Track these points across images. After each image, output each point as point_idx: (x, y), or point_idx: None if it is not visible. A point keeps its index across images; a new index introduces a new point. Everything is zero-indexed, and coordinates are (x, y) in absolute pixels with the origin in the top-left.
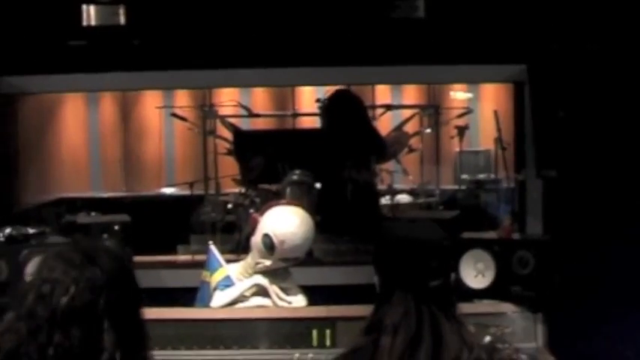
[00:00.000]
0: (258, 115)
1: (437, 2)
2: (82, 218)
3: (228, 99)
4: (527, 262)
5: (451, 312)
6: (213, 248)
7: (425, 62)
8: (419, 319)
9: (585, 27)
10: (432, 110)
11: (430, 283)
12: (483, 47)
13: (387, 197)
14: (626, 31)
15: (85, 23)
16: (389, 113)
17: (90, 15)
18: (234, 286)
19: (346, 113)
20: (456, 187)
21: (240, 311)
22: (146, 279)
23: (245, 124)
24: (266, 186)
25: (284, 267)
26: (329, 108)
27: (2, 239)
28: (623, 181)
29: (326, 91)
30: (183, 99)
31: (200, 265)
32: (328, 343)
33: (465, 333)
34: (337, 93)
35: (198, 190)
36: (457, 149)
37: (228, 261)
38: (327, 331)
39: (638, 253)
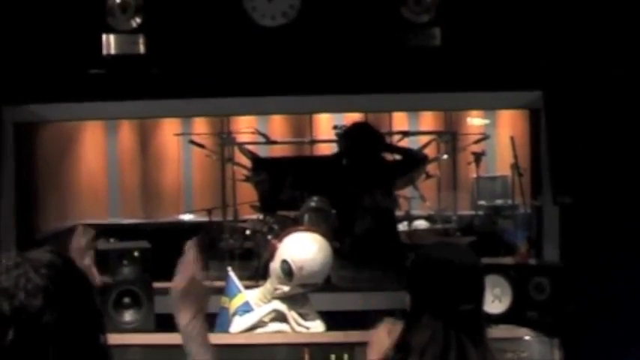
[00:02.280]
0: (275, 142)
1: (453, 30)
2: (101, 245)
3: (246, 126)
4: (543, 288)
5: (479, 338)
6: (232, 274)
7: (441, 89)
8: (445, 344)
9: (600, 54)
10: (449, 136)
11: (461, 307)
12: (499, 74)
13: (405, 223)
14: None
15: (104, 52)
16: (406, 140)
17: (110, 44)
18: (253, 311)
19: (364, 142)
20: (473, 212)
21: (259, 337)
22: (165, 305)
23: (263, 151)
24: (284, 213)
25: (302, 293)
26: (346, 138)
27: None
28: (638, 206)
29: (344, 117)
30: (201, 126)
31: (219, 291)
32: None
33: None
34: (354, 126)
35: (217, 217)
36: (474, 175)
37: (247, 287)
38: (345, 356)
39: None
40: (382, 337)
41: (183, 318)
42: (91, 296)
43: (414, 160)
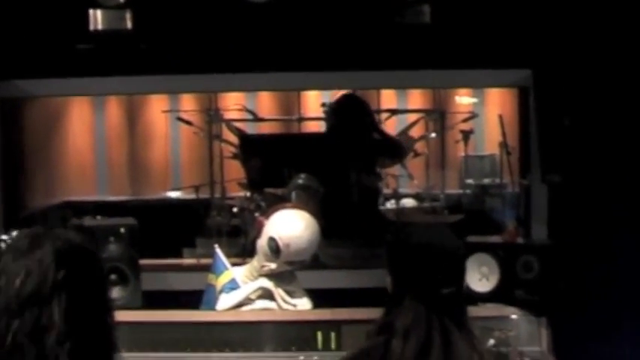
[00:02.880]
0: (263, 120)
1: (443, 8)
2: (89, 221)
3: (233, 103)
4: (531, 267)
5: (462, 320)
6: (218, 251)
7: (430, 67)
8: (429, 326)
9: (590, 32)
10: (437, 115)
11: (442, 291)
12: (488, 52)
13: (392, 201)
14: (632, 36)
15: (92, 28)
16: (394, 118)
17: (97, 19)
18: (240, 289)
19: (352, 117)
20: (461, 191)
21: (245, 314)
22: (152, 282)
23: (251, 129)
24: (272, 190)
25: (289, 270)
26: (335, 111)
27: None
28: (627, 185)
29: (332, 95)
30: (189, 103)
31: (206, 269)
32: (333, 345)
33: (475, 341)
34: (344, 97)
35: (204, 194)
36: (462, 154)
37: (234, 264)
38: (332, 334)
39: None
40: None
41: None
42: (103, 277)
43: (395, 152)
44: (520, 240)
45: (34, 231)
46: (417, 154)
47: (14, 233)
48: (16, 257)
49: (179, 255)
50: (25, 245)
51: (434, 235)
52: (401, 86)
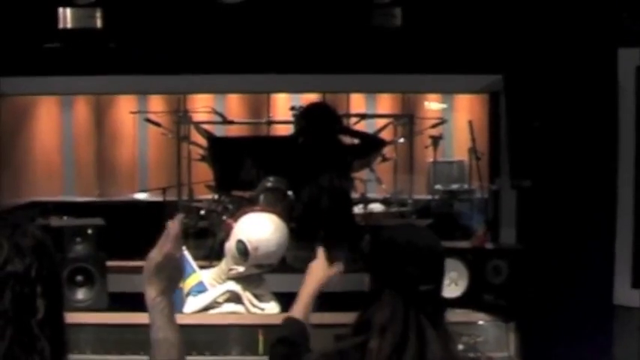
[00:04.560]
0: (232, 122)
1: (414, 11)
2: (55, 222)
3: (202, 105)
4: (500, 271)
5: (438, 319)
6: (186, 253)
7: (400, 71)
8: (405, 323)
9: (561, 37)
10: (406, 120)
11: (421, 287)
12: (459, 57)
13: (360, 206)
14: (602, 42)
15: (61, 26)
16: (363, 122)
17: (66, 18)
18: (207, 292)
19: (321, 123)
20: (430, 196)
21: (212, 317)
22: (119, 284)
23: (219, 131)
24: (240, 192)
25: (257, 273)
26: (303, 118)
27: None
28: (595, 190)
29: (302, 99)
30: (157, 104)
31: None
32: None
33: (450, 343)
34: (312, 105)
35: (172, 196)
36: (431, 159)
37: (202, 267)
38: None
39: (610, 263)
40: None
41: (154, 290)
42: (58, 274)
43: (372, 144)
44: (489, 245)
45: (14, 219)
46: (385, 159)
47: None
48: None
49: (146, 257)
50: (6, 232)
51: (415, 234)
52: (371, 90)
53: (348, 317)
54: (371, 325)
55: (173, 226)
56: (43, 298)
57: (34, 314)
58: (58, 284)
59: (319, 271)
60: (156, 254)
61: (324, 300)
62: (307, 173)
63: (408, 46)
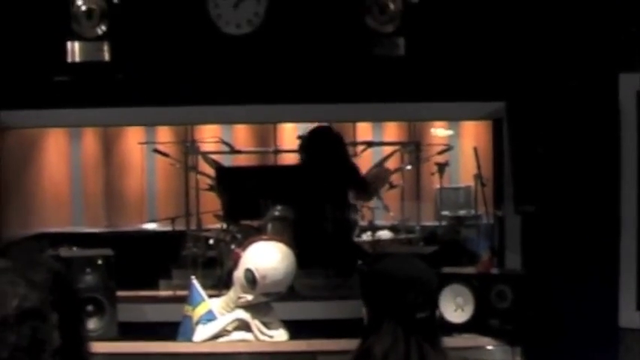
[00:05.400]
0: (239, 152)
1: (417, 40)
2: (65, 252)
3: (210, 135)
4: (505, 296)
5: (437, 342)
6: (195, 283)
7: (405, 100)
8: (407, 349)
9: (563, 64)
10: (413, 147)
11: (417, 315)
12: (462, 85)
13: (368, 233)
14: (602, 67)
15: (69, 59)
16: (370, 150)
17: (74, 51)
18: (217, 320)
19: (325, 149)
20: (437, 223)
21: (222, 345)
22: (129, 313)
23: (227, 161)
24: (248, 222)
25: (266, 301)
26: (308, 144)
27: None
28: (599, 215)
29: (307, 127)
30: (165, 135)
31: (182, 300)
32: None
33: None
34: (317, 129)
35: (180, 226)
36: (437, 186)
37: (210, 296)
38: None
39: (614, 286)
40: None
41: None
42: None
43: (361, 190)
44: (494, 270)
45: (23, 253)
46: (392, 186)
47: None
48: (11, 278)
49: (155, 286)
50: (19, 266)
51: (405, 265)
52: (376, 119)
53: (354, 344)
54: (371, 354)
55: None
56: (59, 329)
57: (51, 346)
58: (77, 314)
59: None
60: None
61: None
62: (313, 201)
63: (411, 74)
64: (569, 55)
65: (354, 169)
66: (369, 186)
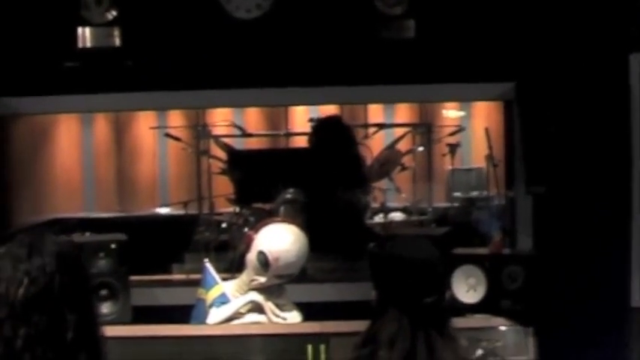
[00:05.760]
0: (251, 135)
1: (427, 23)
2: (78, 238)
3: (221, 119)
4: (516, 277)
5: (445, 328)
6: (208, 266)
7: (416, 81)
8: (413, 335)
9: (573, 44)
10: (424, 128)
11: (424, 300)
12: (472, 66)
13: (380, 215)
14: (612, 48)
15: (80, 45)
16: (381, 132)
17: (85, 37)
18: (230, 303)
19: (335, 136)
20: (449, 204)
21: (235, 328)
22: (142, 297)
23: (238, 144)
24: (260, 205)
25: (279, 284)
26: (317, 133)
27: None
28: (610, 195)
29: (320, 111)
30: (176, 119)
31: (195, 284)
32: (323, 358)
33: (458, 349)
34: (326, 120)
35: (192, 210)
36: (449, 167)
37: (224, 279)
38: (322, 347)
39: (626, 265)
40: None
41: None
42: (84, 264)
43: (358, 184)
44: (505, 251)
45: (29, 238)
46: (404, 168)
47: (2, 249)
48: (16, 265)
49: (168, 270)
50: (24, 252)
51: (413, 248)
52: (387, 101)
53: (367, 325)
54: (378, 338)
55: None
56: (72, 314)
57: (66, 332)
58: (87, 295)
59: None
60: None
61: (344, 308)
62: (325, 184)
63: (421, 56)
64: (579, 35)
65: (358, 165)
66: (366, 183)
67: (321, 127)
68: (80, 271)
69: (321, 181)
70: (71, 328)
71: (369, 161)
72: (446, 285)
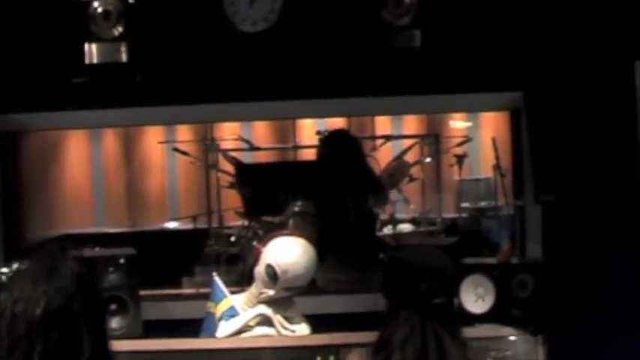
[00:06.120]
0: (259, 149)
1: (433, 32)
2: (88, 252)
3: (229, 132)
4: (526, 285)
5: (455, 330)
6: (217, 279)
7: (423, 92)
8: (424, 335)
9: (579, 52)
10: (432, 139)
11: (433, 301)
12: (480, 75)
13: (390, 227)
14: (618, 56)
15: (87, 61)
16: (389, 143)
17: (92, 52)
18: (239, 316)
19: (343, 149)
20: (457, 215)
21: (245, 340)
22: (152, 311)
23: (247, 157)
24: (269, 218)
25: (287, 296)
26: (325, 145)
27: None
28: (619, 202)
29: (327, 123)
30: (185, 133)
31: (205, 297)
32: None
33: (468, 351)
34: (334, 133)
35: (202, 224)
36: (457, 177)
37: (233, 292)
38: (331, 358)
39: (636, 273)
40: None
41: None
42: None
43: (375, 192)
44: (514, 260)
45: (48, 258)
46: (412, 179)
47: (15, 265)
48: (35, 285)
49: (178, 284)
50: (44, 273)
51: (424, 253)
52: (394, 112)
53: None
54: (391, 342)
55: None
56: (88, 333)
57: (82, 350)
58: (101, 315)
59: None
60: None
61: (354, 320)
62: (333, 196)
63: (428, 67)
64: (585, 43)
65: (371, 176)
66: (383, 191)
67: (329, 140)
68: (96, 291)
69: (330, 193)
70: (87, 347)
71: (377, 173)
72: (454, 287)
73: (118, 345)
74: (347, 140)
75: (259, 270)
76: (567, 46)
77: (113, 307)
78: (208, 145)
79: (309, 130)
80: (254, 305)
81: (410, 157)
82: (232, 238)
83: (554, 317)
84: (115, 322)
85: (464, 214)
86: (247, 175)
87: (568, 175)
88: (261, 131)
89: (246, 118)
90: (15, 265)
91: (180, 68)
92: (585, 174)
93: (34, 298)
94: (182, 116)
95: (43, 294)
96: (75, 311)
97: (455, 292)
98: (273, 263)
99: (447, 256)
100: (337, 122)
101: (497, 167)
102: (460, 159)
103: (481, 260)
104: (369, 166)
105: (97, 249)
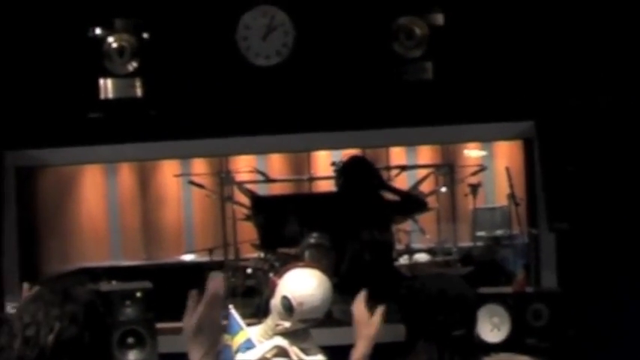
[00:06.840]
0: (274, 181)
1: (445, 64)
2: (104, 286)
3: (244, 165)
4: (541, 315)
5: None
6: (233, 312)
7: (435, 123)
8: None
9: (591, 82)
10: (447, 169)
11: (452, 333)
12: (491, 106)
13: (406, 257)
14: (632, 86)
15: (102, 96)
16: (404, 174)
17: (107, 88)
18: (256, 348)
19: (360, 177)
20: (472, 244)
21: None
22: (169, 344)
23: (262, 190)
24: (285, 250)
25: (303, 328)
26: (343, 173)
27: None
28: (633, 231)
29: (342, 155)
30: (200, 166)
31: (222, 330)
32: None
33: None
34: (351, 159)
35: (218, 256)
36: (472, 207)
37: (250, 324)
38: None
39: None
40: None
41: (196, 354)
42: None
43: (415, 205)
44: (529, 289)
45: (60, 285)
46: (428, 209)
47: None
48: (48, 310)
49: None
50: (58, 299)
51: (444, 283)
52: (408, 143)
53: None
54: None
55: (213, 284)
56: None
57: None
58: (110, 344)
59: (366, 329)
60: (188, 319)
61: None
62: (350, 228)
63: (440, 98)
64: (597, 72)
65: (396, 190)
66: (418, 198)
67: (348, 167)
68: (107, 320)
69: (348, 223)
70: None
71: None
72: (475, 319)
73: None
74: (365, 166)
75: (275, 302)
76: (579, 75)
77: (130, 340)
78: (224, 178)
79: (324, 162)
80: (270, 337)
81: (425, 188)
82: (248, 271)
83: (570, 346)
84: (131, 355)
85: (479, 243)
86: (263, 208)
87: (582, 204)
88: (276, 163)
89: (261, 150)
90: (35, 293)
91: (195, 102)
92: (599, 202)
93: (46, 324)
94: (197, 150)
95: (56, 319)
96: (86, 339)
97: (474, 323)
98: (289, 295)
99: (467, 284)
100: (351, 153)
101: (511, 196)
102: (474, 188)
103: (497, 290)
104: (389, 184)
105: (113, 283)
